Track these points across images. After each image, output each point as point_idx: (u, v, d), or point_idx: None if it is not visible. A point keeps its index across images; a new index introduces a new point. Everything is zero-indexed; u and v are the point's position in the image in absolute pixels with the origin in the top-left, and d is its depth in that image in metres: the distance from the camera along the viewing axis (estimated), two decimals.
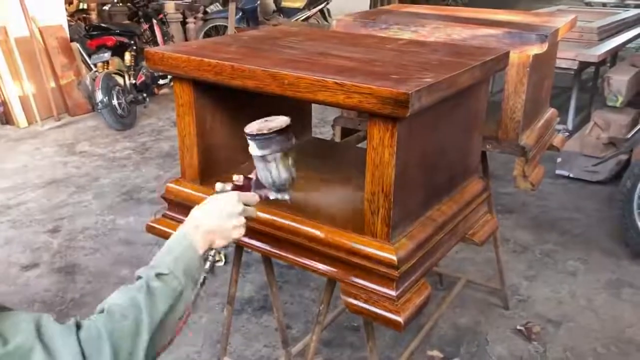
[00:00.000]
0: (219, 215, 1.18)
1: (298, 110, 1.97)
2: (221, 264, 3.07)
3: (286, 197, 1.37)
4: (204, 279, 1.18)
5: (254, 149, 1.29)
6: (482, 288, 2.84)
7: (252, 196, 1.29)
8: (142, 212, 3.66)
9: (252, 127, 1.29)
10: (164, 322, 1.04)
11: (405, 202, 1.37)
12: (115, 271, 3.00)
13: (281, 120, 1.29)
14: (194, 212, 1.20)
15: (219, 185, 1.26)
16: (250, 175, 1.34)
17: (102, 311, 0.98)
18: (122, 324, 0.96)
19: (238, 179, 1.31)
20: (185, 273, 1.10)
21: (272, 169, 1.30)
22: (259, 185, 1.34)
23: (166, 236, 1.67)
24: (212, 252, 1.22)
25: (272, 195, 1.35)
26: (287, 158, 1.31)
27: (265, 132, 1.26)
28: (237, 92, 1.47)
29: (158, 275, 1.05)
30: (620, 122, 3.97)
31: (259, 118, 1.32)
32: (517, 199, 3.83)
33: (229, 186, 1.27)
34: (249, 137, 1.29)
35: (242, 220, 1.22)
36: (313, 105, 1.79)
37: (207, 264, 1.21)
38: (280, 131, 1.27)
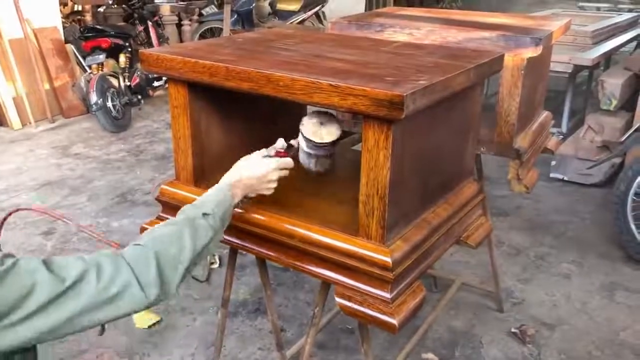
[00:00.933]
0: (260, 177, 1.39)
1: (293, 112, 1.97)
2: (215, 266, 3.06)
3: (318, 168, 1.55)
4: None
5: (303, 144, 1.47)
6: (477, 291, 2.84)
7: (288, 161, 1.45)
8: (137, 214, 3.65)
9: (307, 127, 1.45)
10: (200, 255, 1.21)
11: (400, 204, 1.37)
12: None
13: (334, 130, 1.46)
14: (242, 163, 1.41)
15: (264, 152, 1.43)
16: (292, 142, 1.49)
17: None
18: (169, 250, 1.14)
19: (281, 146, 1.46)
20: (222, 217, 1.29)
21: (312, 161, 1.51)
22: (296, 153, 1.52)
23: None
24: (243, 200, 1.43)
25: (306, 164, 1.53)
26: (327, 159, 1.51)
27: (324, 142, 1.45)
28: (232, 94, 1.47)
29: (204, 214, 1.24)
30: (614, 126, 3.99)
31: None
32: (512, 201, 3.84)
33: (272, 151, 1.44)
34: (306, 140, 1.45)
35: (275, 182, 1.42)
36: (308, 107, 1.79)
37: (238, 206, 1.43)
38: (329, 144, 1.45)
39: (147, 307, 1.10)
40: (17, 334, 0.95)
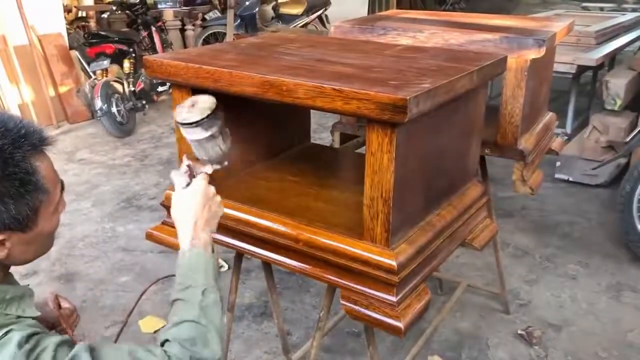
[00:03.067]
0: (204, 205, 1.24)
1: (297, 116, 1.98)
2: (224, 269, 3.07)
3: (225, 163, 1.40)
4: None
5: (190, 135, 1.32)
6: (483, 293, 2.83)
7: (206, 169, 1.34)
8: (142, 219, 3.66)
9: (181, 113, 1.31)
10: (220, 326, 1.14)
11: (405, 207, 1.37)
12: (115, 278, 3.00)
13: (207, 104, 1.31)
14: (176, 212, 1.25)
15: (182, 181, 1.29)
16: (188, 162, 1.35)
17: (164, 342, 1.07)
18: (202, 351, 1.07)
19: (188, 165, 1.33)
20: (215, 278, 1.18)
21: (202, 151, 1.35)
22: (197, 165, 1.38)
23: (166, 243, 1.69)
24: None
25: (210, 170, 1.37)
26: (220, 135, 1.34)
27: (195, 120, 1.29)
28: (236, 98, 1.47)
29: (203, 292, 1.14)
30: (618, 126, 3.97)
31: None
32: (517, 203, 3.83)
33: (184, 176, 1.30)
34: (183, 126, 1.31)
35: (218, 196, 1.29)
36: (312, 111, 1.80)
37: None
38: (212, 113, 1.30)
39: None
40: None
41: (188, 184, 1.28)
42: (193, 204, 1.23)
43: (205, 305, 1.11)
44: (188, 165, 1.32)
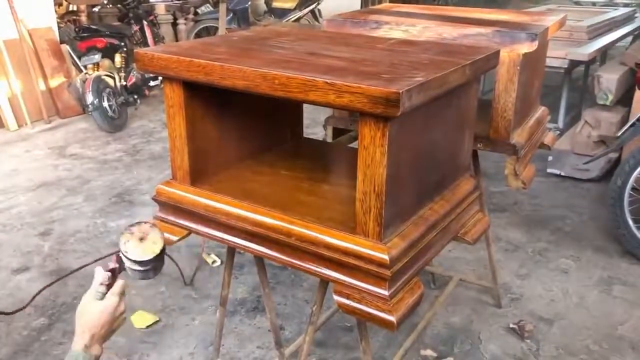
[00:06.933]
0: (111, 321, 1.30)
1: (289, 110, 1.97)
2: (217, 264, 3.06)
3: (149, 277, 1.41)
4: None
5: (130, 265, 1.34)
6: (475, 287, 2.84)
7: (124, 284, 1.35)
8: (134, 215, 3.64)
9: (129, 248, 1.32)
10: None
11: (397, 201, 1.37)
12: None
13: (158, 238, 1.35)
14: (83, 319, 1.28)
15: (97, 295, 1.30)
16: (111, 265, 1.36)
17: None
18: None
19: (108, 278, 1.33)
20: None
21: (141, 274, 1.38)
22: (121, 269, 1.38)
23: None
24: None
25: (135, 277, 1.39)
26: (158, 267, 1.39)
27: (150, 258, 1.33)
28: (228, 93, 1.47)
29: None
30: (610, 120, 3.99)
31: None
32: (509, 197, 3.85)
33: (101, 287, 1.31)
34: (131, 262, 1.33)
35: (122, 308, 1.33)
36: (305, 105, 1.79)
37: None
38: (161, 251, 1.35)
39: None
40: None
41: (103, 296, 1.30)
42: (99, 318, 1.28)
43: None
44: (112, 271, 1.33)
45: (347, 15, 2.25)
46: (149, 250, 1.32)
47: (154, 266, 1.36)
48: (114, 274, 1.34)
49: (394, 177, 1.31)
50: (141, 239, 1.33)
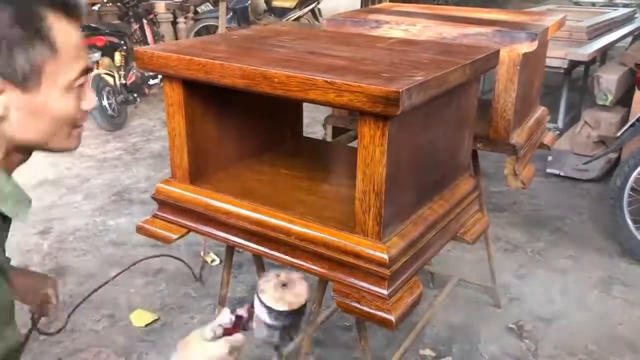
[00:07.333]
0: None
1: (289, 109, 1.97)
2: (215, 263, 3.06)
3: (281, 341, 1.14)
4: None
5: (262, 312, 1.09)
6: (474, 287, 2.84)
7: (242, 340, 1.11)
8: (133, 213, 3.64)
9: (267, 293, 1.08)
10: None
11: (397, 200, 1.37)
12: (105, 273, 2.98)
13: (303, 290, 1.09)
14: (181, 355, 1.10)
15: (208, 332, 1.10)
16: (240, 313, 1.13)
17: None
18: None
19: (230, 321, 1.12)
20: None
21: (274, 333, 1.11)
22: (247, 324, 1.14)
23: (157, 236, 1.68)
24: None
25: (263, 338, 1.14)
26: (295, 327, 1.12)
27: (281, 309, 1.07)
28: (228, 91, 1.47)
29: None
30: (610, 121, 3.99)
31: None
32: (509, 197, 3.85)
33: (219, 330, 1.10)
34: (267, 309, 1.08)
35: None
36: (304, 104, 1.79)
37: None
38: (298, 310, 1.08)
39: None
40: None
41: (215, 337, 1.09)
42: None
43: None
44: (238, 318, 1.12)
45: (347, 15, 2.25)
46: (286, 301, 1.07)
47: (287, 325, 1.09)
48: (239, 323, 1.12)
49: (393, 176, 1.31)
50: (284, 285, 1.10)
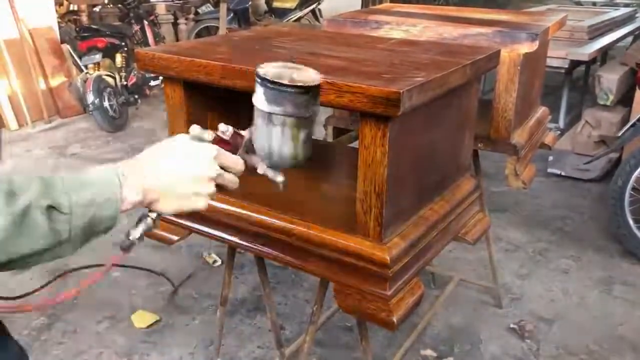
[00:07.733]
0: (182, 172, 0.87)
1: None
2: (217, 264, 3.06)
3: (279, 178, 1.01)
4: (131, 244, 0.96)
5: (259, 100, 0.92)
6: (475, 287, 2.84)
7: (237, 160, 0.94)
8: (134, 214, 3.63)
9: (267, 69, 0.91)
10: (22, 262, 0.77)
11: (398, 201, 1.37)
12: (106, 273, 2.98)
13: (310, 75, 0.92)
14: (147, 153, 0.89)
15: (195, 129, 0.91)
16: (242, 132, 0.97)
17: None
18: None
19: (225, 130, 0.94)
20: (86, 227, 0.83)
21: (274, 134, 0.93)
22: (251, 148, 0.98)
23: (158, 237, 1.68)
24: (151, 215, 0.94)
25: (262, 169, 0.99)
26: (299, 129, 0.93)
27: (284, 82, 0.89)
28: (229, 92, 1.47)
29: (49, 208, 0.76)
30: (611, 120, 3.99)
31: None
32: (510, 197, 3.84)
33: (209, 135, 0.92)
34: (259, 81, 0.90)
35: (212, 188, 0.90)
36: None
37: (140, 228, 0.95)
38: (305, 89, 0.90)
39: None
40: None
41: (198, 139, 0.91)
42: (173, 157, 0.88)
43: (43, 205, 0.76)
44: (223, 132, 0.94)
45: (347, 15, 2.25)
46: (292, 78, 0.89)
47: (297, 115, 0.91)
48: (235, 142, 0.95)
49: (394, 176, 1.31)
50: (290, 67, 0.93)
